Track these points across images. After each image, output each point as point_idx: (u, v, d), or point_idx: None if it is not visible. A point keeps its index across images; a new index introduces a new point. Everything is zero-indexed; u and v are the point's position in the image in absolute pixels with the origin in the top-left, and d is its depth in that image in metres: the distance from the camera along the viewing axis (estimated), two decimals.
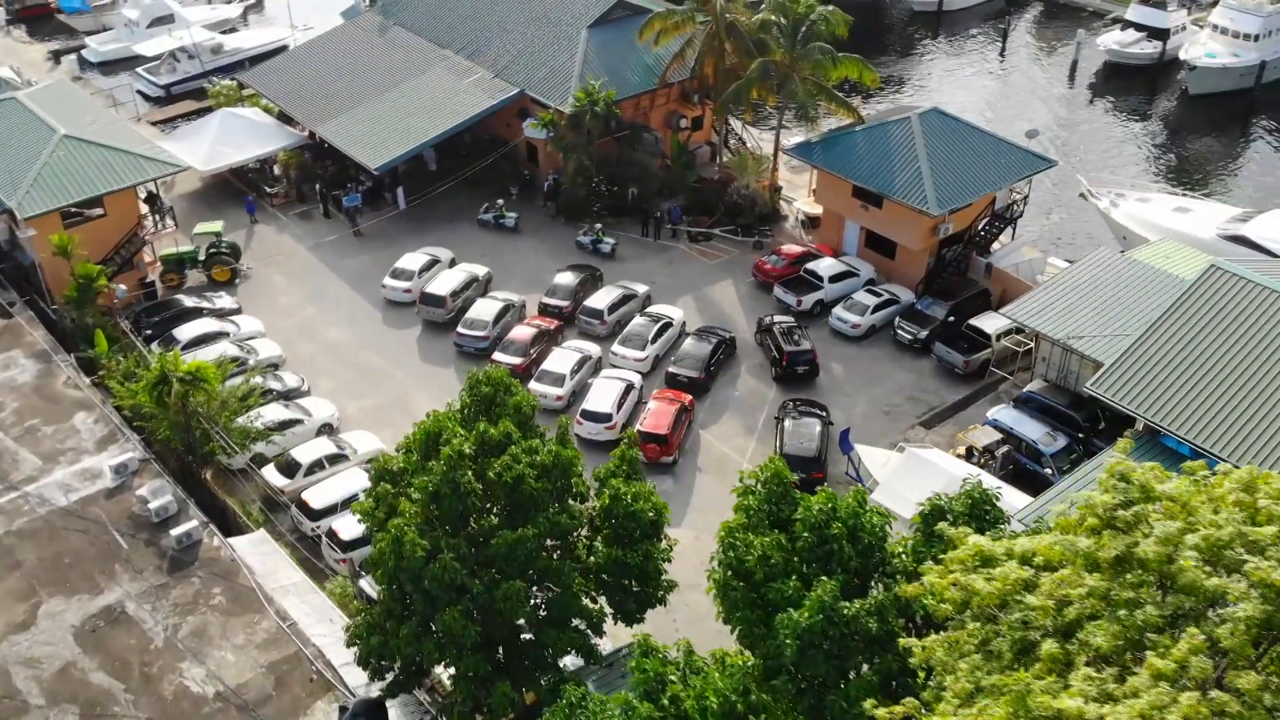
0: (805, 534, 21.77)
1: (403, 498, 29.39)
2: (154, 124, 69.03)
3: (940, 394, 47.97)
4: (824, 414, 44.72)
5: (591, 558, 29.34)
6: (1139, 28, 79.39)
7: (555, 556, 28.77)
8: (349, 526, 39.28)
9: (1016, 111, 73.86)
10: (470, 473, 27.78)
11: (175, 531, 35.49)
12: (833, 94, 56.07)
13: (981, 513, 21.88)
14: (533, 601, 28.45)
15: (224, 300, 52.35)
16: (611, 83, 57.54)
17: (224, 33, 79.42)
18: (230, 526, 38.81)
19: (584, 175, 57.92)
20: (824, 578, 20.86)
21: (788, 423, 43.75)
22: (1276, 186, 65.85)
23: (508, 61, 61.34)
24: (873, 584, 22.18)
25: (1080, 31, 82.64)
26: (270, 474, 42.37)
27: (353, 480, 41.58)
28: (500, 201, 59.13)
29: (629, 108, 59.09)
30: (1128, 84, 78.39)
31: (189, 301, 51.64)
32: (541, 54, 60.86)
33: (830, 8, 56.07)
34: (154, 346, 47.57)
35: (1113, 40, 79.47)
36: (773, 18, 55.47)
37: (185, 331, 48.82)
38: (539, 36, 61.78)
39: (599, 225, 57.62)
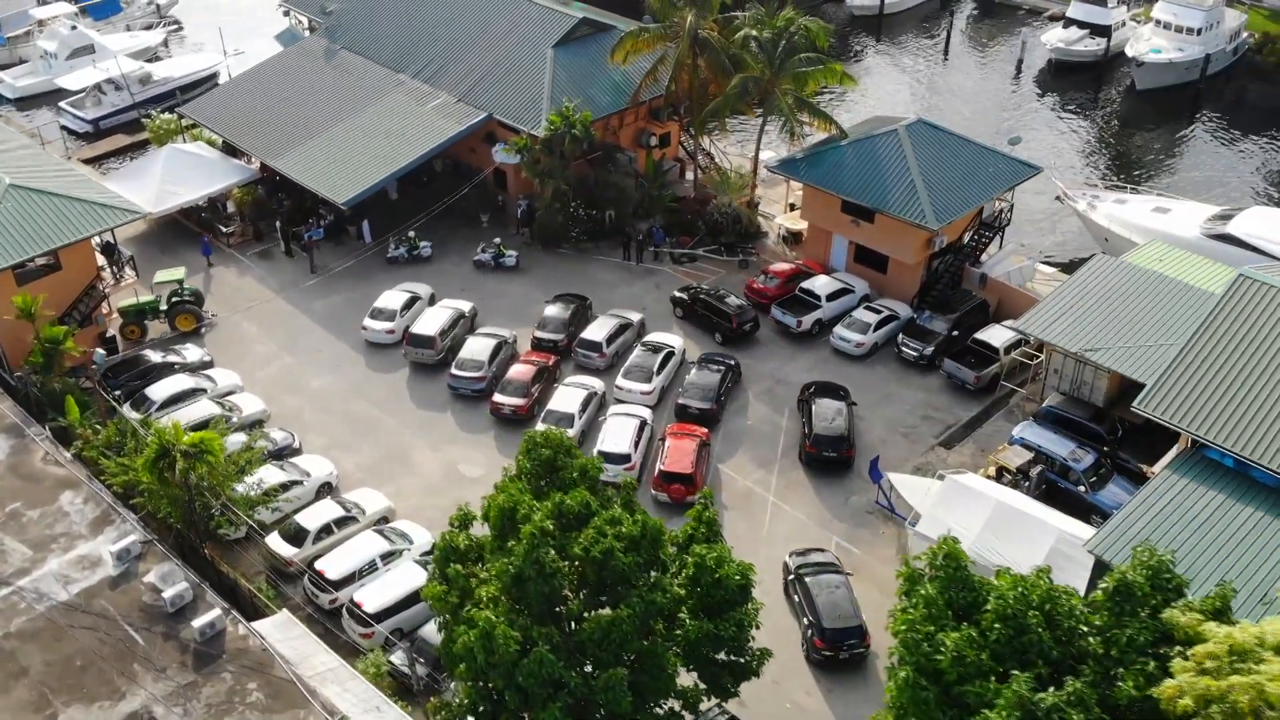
0: (997, 625, 20.24)
1: (474, 579, 27.28)
2: (86, 162, 64.90)
3: (953, 411, 47.14)
4: (845, 394, 45.79)
5: (678, 631, 27.49)
6: (1081, 25, 79.99)
7: (646, 635, 26.85)
8: (373, 597, 36.90)
9: (969, 116, 73.67)
10: (553, 550, 25.76)
11: (197, 623, 32.55)
12: (816, 108, 54.91)
13: (1163, 583, 20.63)
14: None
15: (193, 352, 49.03)
16: (583, 103, 55.52)
17: (149, 61, 75.17)
18: (244, 606, 35.94)
19: (561, 200, 55.82)
20: (1015, 672, 19.28)
21: (814, 406, 44.57)
22: (1233, 180, 66.80)
23: (471, 85, 58.79)
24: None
25: (1024, 30, 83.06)
26: (275, 542, 39.63)
27: (367, 545, 39.14)
28: (412, 234, 56.53)
29: (599, 127, 57.13)
30: (1074, 81, 78.93)
31: (156, 356, 48.24)
32: (507, 76, 58.42)
33: (810, 18, 54.95)
34: (126, 407, 44.32)
35: (1056, 38, 79.90)
36: (752, 32, 54.06)
37: (159, 390, 45.63)
38: (502, 58, 59.28)
39: (498, 240, 56.21)
